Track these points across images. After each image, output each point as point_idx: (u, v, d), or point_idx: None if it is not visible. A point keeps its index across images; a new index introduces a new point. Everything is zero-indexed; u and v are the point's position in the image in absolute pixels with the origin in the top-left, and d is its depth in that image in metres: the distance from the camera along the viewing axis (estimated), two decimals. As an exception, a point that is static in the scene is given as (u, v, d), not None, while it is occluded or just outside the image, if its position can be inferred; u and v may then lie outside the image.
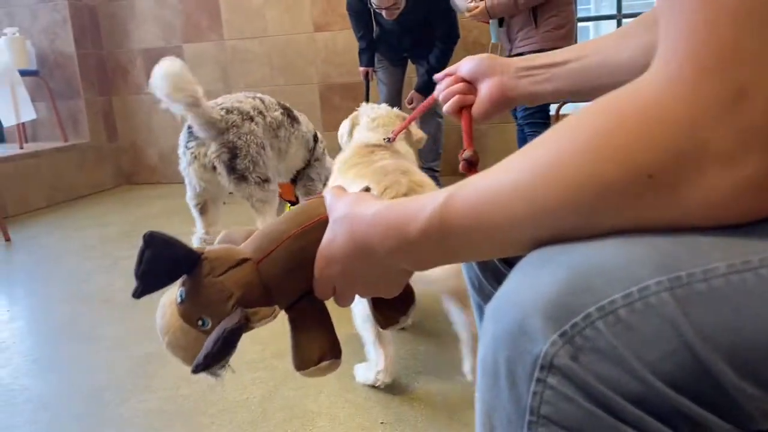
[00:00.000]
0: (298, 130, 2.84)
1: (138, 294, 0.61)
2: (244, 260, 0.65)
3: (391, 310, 0.72)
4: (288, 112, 2.80)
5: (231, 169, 2.41)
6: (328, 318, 0.69)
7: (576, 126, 0.46)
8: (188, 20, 5.11)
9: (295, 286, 0.67)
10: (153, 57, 5.24)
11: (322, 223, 0.65)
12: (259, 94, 2.73)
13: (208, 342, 0.60)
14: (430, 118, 3.93)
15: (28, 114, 4.71)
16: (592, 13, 20.34)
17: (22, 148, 4.82)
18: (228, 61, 5.09)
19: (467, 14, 3.35)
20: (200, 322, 0.62)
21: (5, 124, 4.84)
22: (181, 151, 2.51)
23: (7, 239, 3.70)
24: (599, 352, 0.40)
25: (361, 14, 3.78)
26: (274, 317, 0.64)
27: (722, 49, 0.39)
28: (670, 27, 0.42)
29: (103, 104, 5.37)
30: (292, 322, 0.69)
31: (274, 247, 0.66)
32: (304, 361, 0.66)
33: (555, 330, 0.41)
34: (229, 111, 2.47)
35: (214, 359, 0.59)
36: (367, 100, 4.07)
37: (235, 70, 5.08)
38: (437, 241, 0.53)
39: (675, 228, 0.43)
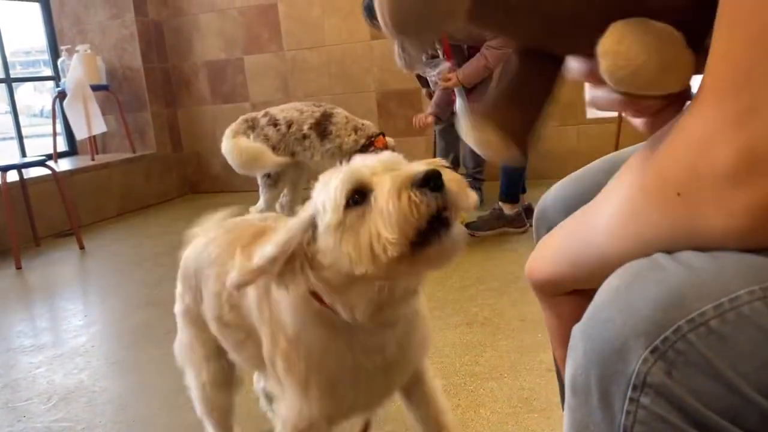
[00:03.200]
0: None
1: None
2: None
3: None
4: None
5: None
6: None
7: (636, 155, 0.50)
8: (249, 32, 5.24)
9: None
10: (215, 69, 5.41)
11: None
12: None
13: None
14: None
15: (99, 127, 4.93)
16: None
17: (93, 159, 5.03)
18: (288, 71, 5.20)
19: (440, 83, 3.35)
20: None
21: (78, 138, 5.07)
22: None
23: (82, 248, 3.87)
24: (693, 365, 0.39)
25: None
26: None
27: (737, 71, 0.39)
28: (710, 55, 0.43)
29: (168, 116, 5.56)
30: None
31: None
32: None
33: (645, 346, 0.41)
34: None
35: None
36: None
37: (294, 79, 5.19)
38: None
39: (711, 249, 0.42)
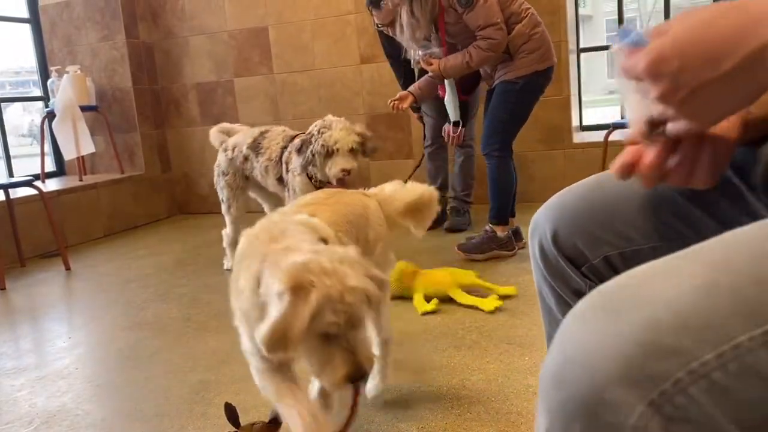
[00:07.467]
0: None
1: None
2: None
3: None
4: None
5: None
6: None
7: None
8: (239, 55, 5.27)
9: None
10: (205, 91, 5.43)
11: None
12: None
13: None
14: (459, 147, 3.88)
15: (88, 148, 4.91)
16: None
17: (81, 180, 5.01)
18: (277, 93, 5.22)
19: (422, 63, 3.36)
20: None
21: (67, 158, 5.05)
22: None
23: (68, 268, 3.84)
24: (693, 422, 0.36)
25: (395, 59, 3.79)
26: None
27: None
28: None
29: (157, 137, 5.55)
30: None
31: None
32: None
33: (641, 399, 0.37)
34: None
35: None
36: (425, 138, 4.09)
37: (284, 102, 5.21)
38: None
39: None
